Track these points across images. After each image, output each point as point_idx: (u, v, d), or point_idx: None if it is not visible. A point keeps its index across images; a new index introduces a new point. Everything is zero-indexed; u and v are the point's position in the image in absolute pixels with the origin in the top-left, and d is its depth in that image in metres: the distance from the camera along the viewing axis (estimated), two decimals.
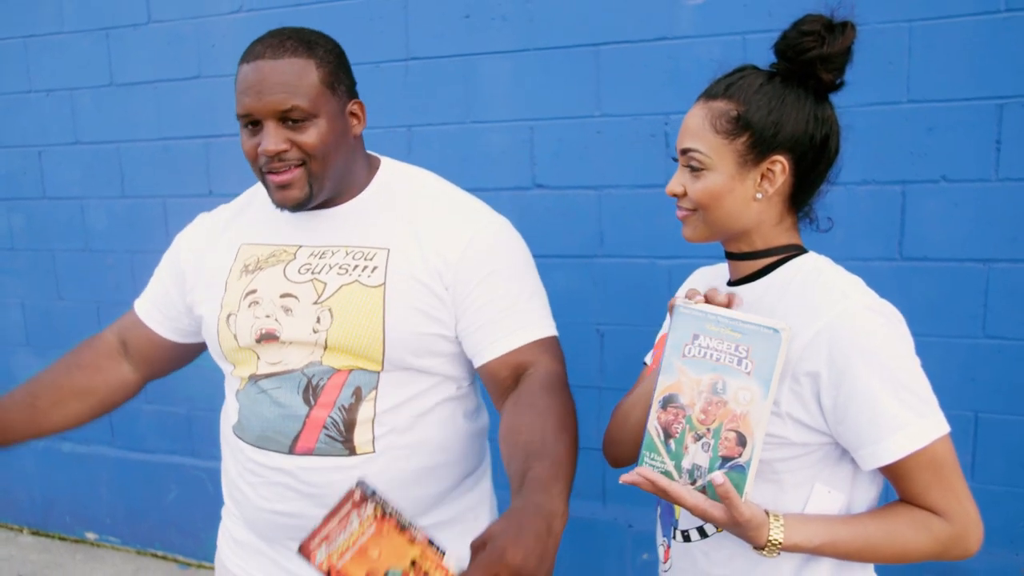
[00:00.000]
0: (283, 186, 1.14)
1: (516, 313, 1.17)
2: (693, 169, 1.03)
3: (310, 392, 1.15)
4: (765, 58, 1.91)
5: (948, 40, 1.78)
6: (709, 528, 1.08)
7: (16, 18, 2.75)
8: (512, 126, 2.20)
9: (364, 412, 1.15)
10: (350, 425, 1.14)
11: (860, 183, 1.90)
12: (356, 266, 1.16)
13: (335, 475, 1.15)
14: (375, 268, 1.15)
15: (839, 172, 1.10)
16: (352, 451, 1.15)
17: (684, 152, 1.04)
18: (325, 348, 1.14)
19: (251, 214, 1.30)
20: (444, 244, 1.16)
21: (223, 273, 1.24)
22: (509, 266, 1.20)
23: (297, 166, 1.13)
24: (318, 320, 1.14)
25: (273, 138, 1.11)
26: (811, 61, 1.00)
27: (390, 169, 1.28)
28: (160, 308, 1.36)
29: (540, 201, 2.19)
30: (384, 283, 1.14)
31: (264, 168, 1.14)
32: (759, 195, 1.02)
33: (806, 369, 0.97)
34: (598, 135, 2.11)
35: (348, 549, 0.89)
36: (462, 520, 1.27)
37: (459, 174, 2.27)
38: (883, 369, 0.96)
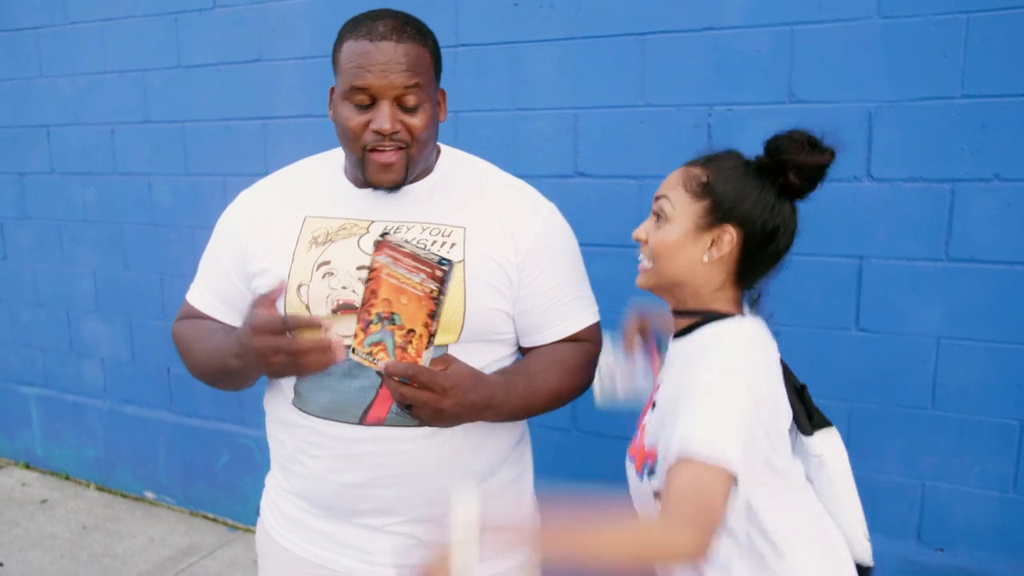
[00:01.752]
0: (386, 166, 1.18)
1: (575, 299, 1.30)
2: (658, 218, 1.15)
3: None
4: (812, 51, 1.89)
5: (1006, 33, 1.71)
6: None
7: (94, 3, 2.91)
8: (557, 114, 2.22)
9: None
10: None
11: (907, 180, 1.84)
12: (434, 241, 1.21)
13: (404, 445, 1.19)
14: (454, 244, 1.21)
15: (781, 269, 1.20)
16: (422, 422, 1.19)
17: (657, 199, 1.16)
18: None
19: (312, 189, 1.30)
20: (517, 227, 1.25)
21: (288, 243, 1.23)
22: (568, 253, 1.32)
23: (400, 148, 1.18)
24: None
25: (389, 117, 1.15)
26: (785, 163, 1.11)
27: (451, 153, 1.35)
28: (224, 299, 1.33)
29: (581, 189, 2.20)
30: (464, 259, 1.20)
31: (369, 146, 1.17)
32: (706, 258, 1.12)
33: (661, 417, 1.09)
34: (641, 125, 2.10)
35: (396, 279, 1.05)
36: (509, 490, 1.33)
37: (503, 160, 2.30)
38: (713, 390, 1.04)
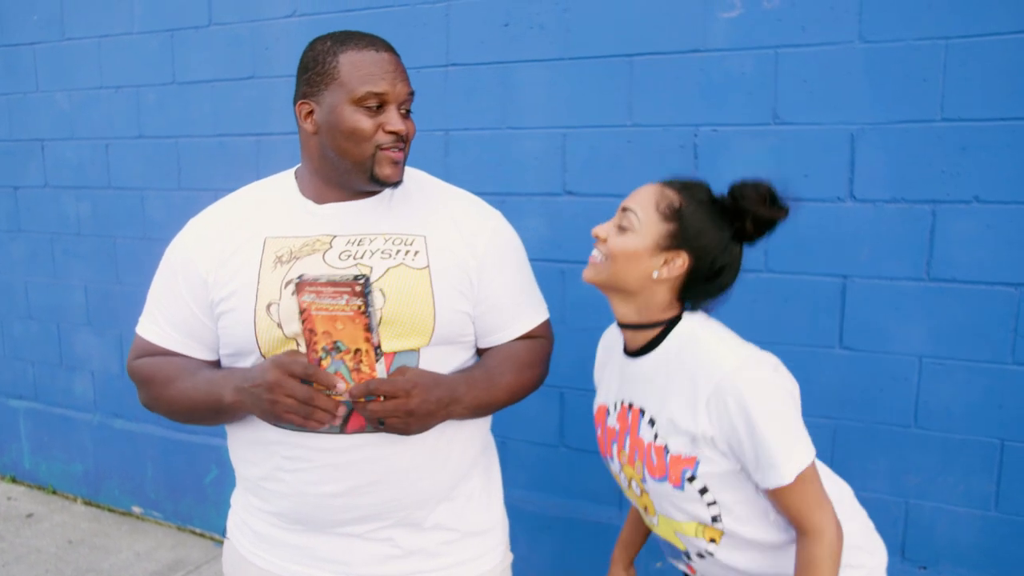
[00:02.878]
0: (397, 163, 1.25)
1: (527, 298, 1.37)
2: (623, 227, 1.23)
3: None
4: (796, 74, 1.93)
5: (985, 58, 1.75)
6: (709, 547, 1.30)
7: (92, 19, 2.94)
8: (546, 133, 2.25)
9: None
10: None
11: (890, 201, 1.87)
12: (398, 251, 1.25)
13: (386, 449, 1.21)
14: (417, 252, 1.25)
15: (720, 302, 1.29)
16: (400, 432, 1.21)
17: (624, 209, 1.24)
18: (379, 324, 1.18)
19: (267, 210, 1.32)
20: (472, 233, 1.31)
21: (252, 265, 1.24)
22: (519, 255, 1.39)
23: (403, 149, 1.27)
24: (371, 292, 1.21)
25: (402, 120, 1.24)
26: (745, 211, 1.21)
27: (414, 173, 1.41)
28: (186, 331, 1.30)
29: (570, 207, 2.23)
30: (428, 265, 1.24)
31: (384, 145, 1.23)
32: (656, 274, 1.22)
33: (715, 432, 1.18)
34: (629, 144, 2.14)
35: (325, 311, 1.10)
36: (481, 494, 1.37)
37: (492, 178, 2.35)
38: (768, 413, 1.16)
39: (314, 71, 1.25)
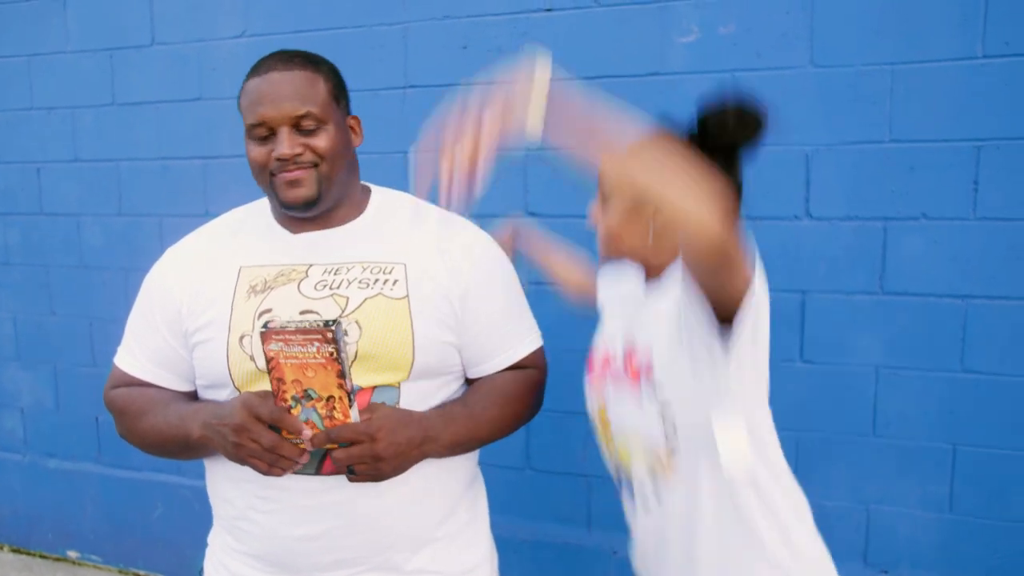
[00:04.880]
0: (294, 183, 1.18)
1: (517, 326, 1.31)
2: (604, 200, 1.20)
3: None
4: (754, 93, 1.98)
5: (929, 83, 1.85)
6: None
7: (21, 36, 2.79)
8: (506, 155, 2.25)
9: None
10: None
11: (844, 219, 1.95)
12: (376, 280, 1.20)
13: (361, 490, 1.16)
14: (396, 281, 1.20)
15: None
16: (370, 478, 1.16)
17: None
18: (355, 359, 1.15)
19: (243, 238, 1.29)
20: (456, 259, 1.25)
21: (226, 296, 1.21)
22: (507, 281, 1.33)
23: (308, 168, 1.19)
24: (346, 333, 1.16)
25: (288, 142, 1.16)
26: (731, 129, 1.15)
27: (382, 191, 1.35)
28: (161, 362, 1.27)
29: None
30: (407, 295, 1.19)
31: (275, 171, 1.18)
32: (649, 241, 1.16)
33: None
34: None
35: (295, 359, 1.06)
36: (465, 532, 1.31)
37: None
38: None
39: (239, 109, 1.25)
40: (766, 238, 2.01)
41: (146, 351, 1.28)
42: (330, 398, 1.07)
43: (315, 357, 1.04)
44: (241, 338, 1.18)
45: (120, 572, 2.92)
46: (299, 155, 1.17)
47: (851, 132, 1.92)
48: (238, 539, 1.25)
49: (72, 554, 3.02)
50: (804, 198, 1.98)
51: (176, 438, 1.19)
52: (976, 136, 1.83)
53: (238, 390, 1.18)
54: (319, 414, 1.08)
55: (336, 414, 1.08)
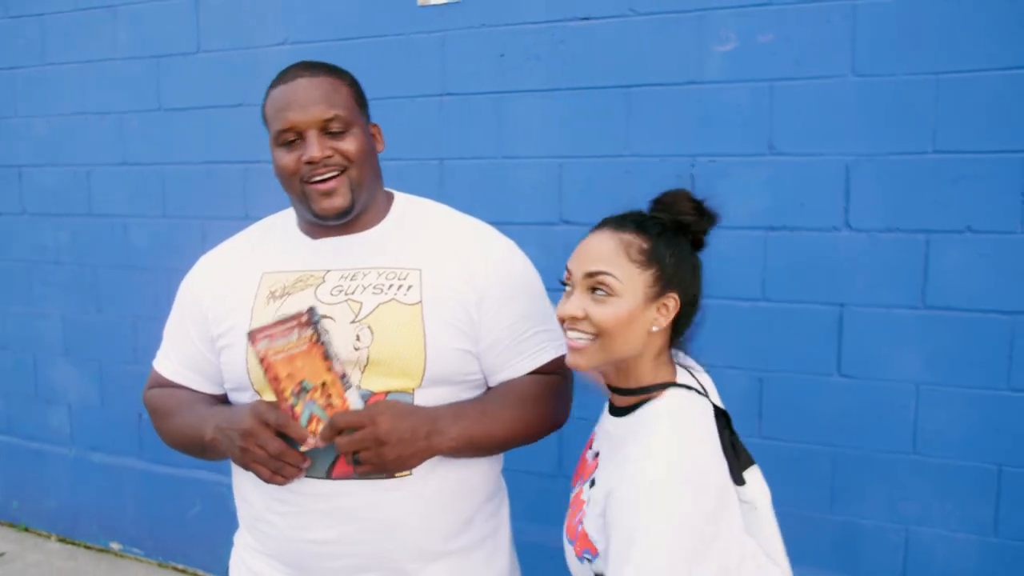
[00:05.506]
0: (327, 193, 1.19)
1: (536, 334, 1.27)
2: (598, 293, 1.05)
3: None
4: (791, 106, 1.96)
5: (975, 93, 1.80)
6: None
7: (74, 45, 2.89)
8: (542, 163, 2.25)
9: None
10: None
11: (884, 231, 1.91)
12: (391, 285, 1.20)
13: (373, 498, 1.16)
14: (410, 287, 1.20)
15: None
16: (391, 474, 1.16)
17: (592, 275, 1.05)
18: (367, 364, 1.16)
19: (268, 245, 1.32)
20: (474, 264, 1.24)
21: (247, 302, 1.24)
22: (528, 288, 1.30)
23: (339, 174, 1.19)
24: (358, 338, 1.16)
25: (317, 145, 1.17)
26: (686, 226, 1.09)
27: (405, 198, 1.36)
28: (192, 366, 1.32)
29: (566, 237, 2.23)
30: (420, 301, 1.19)
31: (306, 178, 1.19)
32: (655, 327, 1.06)
33: (604, 511, 1.02)
34: (626, 174, 2.15)
35: (282, 352, 1.08)
36: (483, 546, 1.29)
37: (488, 207, 2.34)
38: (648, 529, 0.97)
39: (262, 116, 1.28)
40: (803, 249, 1.98)
41: (179, 355, 1.33)
42: (323, 384, 1.08)
43: (298, 345, 1.07)
44: None
45: (159, 565, 3.00)
46: (328, 157, 1.18)
47: (893, 142, 1.87)
48: (258, 539, 1.27)
49: (115, 546, 3.10)
50: (843, 209, 1.94)
51: (194, 439, 1.23)
52: None
53: (258, 393, 1.21)
54: (319, 405, 1.09)
55: (334, 400, 1.08)
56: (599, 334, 1.05)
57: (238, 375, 1.23)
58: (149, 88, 2.78)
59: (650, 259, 1.05)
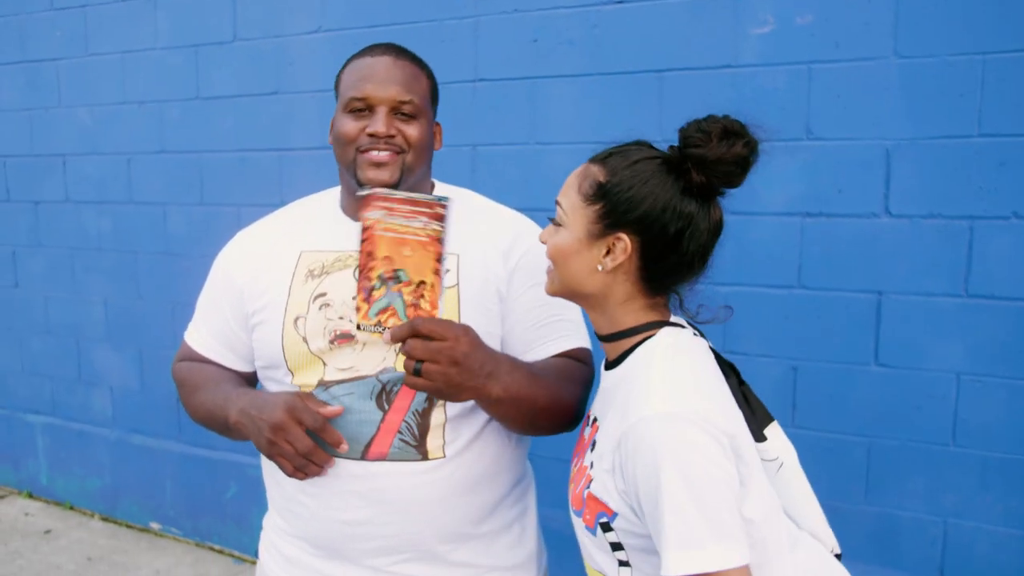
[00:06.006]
0: (378, 164, 1.19)
1: (563, 321, 1.27)
2: (556, 224, 1.05)
3: (384, 397, 1.17)
4: (829, 89, 1.92)
5: (1022, 74, 1.74)
6: None
7: (115, 35, 2.95)
8: (575, 148, 2.24)
9: (436, 417, 1.18)
10: (424, 430, 1.18)
11: (926, 216, 1.86)
12: None
13: (406, 481, 1.17)
14: (447, 271, 1.19)
15: (707, 271, 1.05)
16: (424, 456, 1.17)
17: (557, 203, 1.06)
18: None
19: (307, 224, 1.32)
20: (508, 244, 1.25)
21: (285, 278, 1.24)
22: None
23: (396, 153, 1.21)
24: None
25: (384, 122, 1.19)
26: (690, 157, 0.97)
27: (444, 187, 1.38)
28: (223, 341, 1.32)
29: None
30: (457, 284, 1.20)
31: (363, 147, 1.19)
32: (600, 267, 1.01)
33: (619, 462, 0.97)
34: None
35: (394, 232, 0.97)
36: (510, 529, 1.30)
37: (521, 194, 2.34)
38: (678, 483, 0.90)
39: (335, 86, 1.29)
40: (842, 236, 1.94)
41: (211, 329, 1.34)
42: (420, 284, 0.99)
43: (417, 233, 0.97)
44: (296, 320, 1.21)
45: (197, 545, 3.07)
46: (391, 137, 1.19)
47: (936, 126, 1.82)
48: (288, 521, 1.28)
49: (154, 525, 3.18)
50: (883, 195, 1.89)
51: (217, 418, 1.24)
52: None
53: (291, 372, 1.21)
54: (404, 300, 0.99)
55: (423, 303, 0.99)
56: (552, 261, 1.06)
57: (272, 353, 1.23)
58: (187, 77, 2.82)
59: (597, 194, 0.99)
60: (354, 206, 1.28)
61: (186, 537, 3.11)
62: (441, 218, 0.96)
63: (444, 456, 1.18)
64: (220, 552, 3.01)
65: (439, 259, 0.98)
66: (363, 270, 1.00)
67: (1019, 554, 1.88)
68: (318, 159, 2.63)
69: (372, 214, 0.98)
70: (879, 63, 1.86)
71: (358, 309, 1.01)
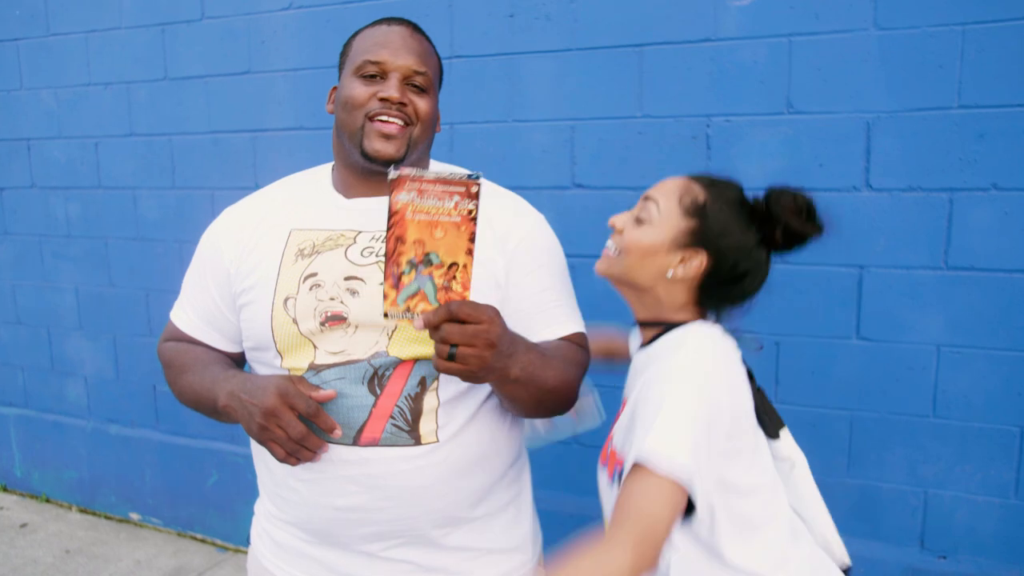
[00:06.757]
0: (387, 136, 1.17)
1: (560, 306, 1.26)
2: (640, 219, 1.16)
3: (375, 382, 1.15)
4: (810, 62, 1.90)
5: (1001, 45, 1.74)
6: None
7: (79, 14, 2.85)
8: (553, 126, 2.21)
9: (429, 402, 1.16)
10: (416, 414, 1.15)
11: (906, 189, 1.86)
12: None
13: (399, 466, 1.15)
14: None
15: (747, 309, 1.20)
16: (417, 441, 1.15)
17: (646, 199, 1.17)
18: (395, 328, 1.14)
19: (297, 202, 1.28)
20: (505, 230, 1.22)
21: (274, 258, 1.21)
22: (555, 261, 1.29)
23: (404, 125, 1.19)
24: None
25: (399, 88, 1.17)
26: (778, 219, 1.13)
27: (439, 165, 1.34)
28: (210, 321, 1.29)
29: (579, 201, 2.19)
30: None
31: (372, 113, 1.17)
32: (671, 273, 1.14)
33: (633, 399, 1.10)
34: (639, 136, 2.10)
35: (425, 214, 0.94)
36: (505, 511, 1.29)
37: (500, 172, 2.31)
38: (672, 391, 1.04)
39: (342, 54, 1.26)
40: (822, 210, 1.93)
41: (197, 309, 1.30)
42: (452, 265, 0.96)
43: (450, 214, 0.94)
44: (286, 300, 1.18)
45: (178, 535, 3.03)
46: (403, 105, 1.17)
47: (916, 98, 1.82)
48: (279, 507, 1.26)
49: (134, 516, 3.14)
50: (864, 168, 1.89)
51: (205, 401, 1.21)
52: None
53: (280, 354, 1.18)
54: (434, 283, 0.96)
55: (455, 285, 0.96)
56: (622, 251, 1.17)
57: (260, 334, 1.20)
58: (155, 57, 2.75)
59: (695, 212, 1.13)
60: (348, 183, 1.26)
61: (167, 527, 3.07)
62: (475, 196, 0.93)
63: (437, 440, 1.16)
64: (202, 541, 2.98)
65: (472, 239, 0.95)
66: (391, 255, 0.96)
67: (997, 522, 1.91)
68: (293, 140, 2.58)
69: (402, 196, 0.94)
70: (859, 35, 1.85)
71: (385, 296, 0.97)
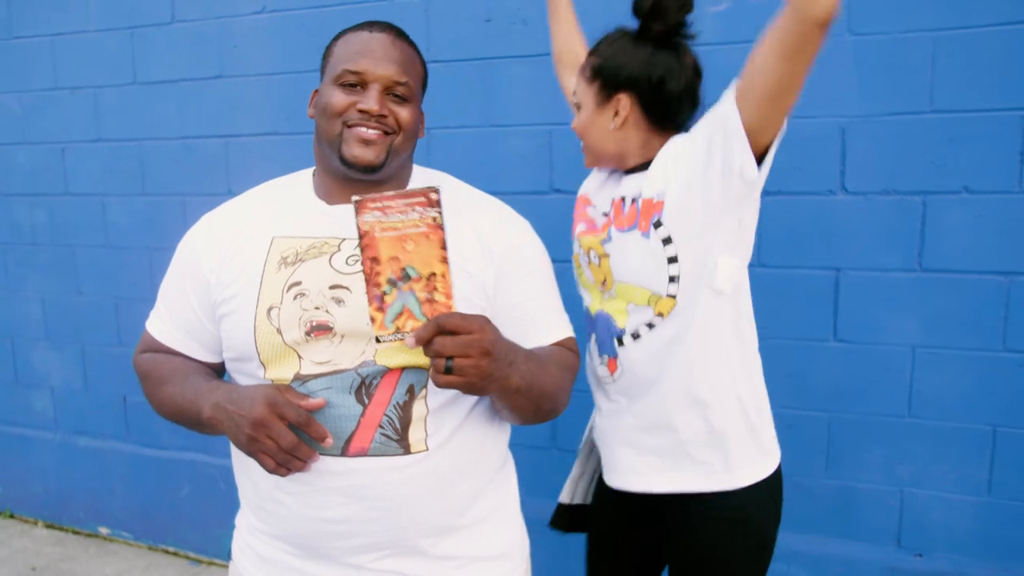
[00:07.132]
0: (366, 142, 1.16)
1: (549, 313, 1.25)
2: (576, 111, 1.41)
3: (363, 391, 1.12)
4: None
5: (972, 50, 1.77)
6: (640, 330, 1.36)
7: (44, 17, 2.79)
8: (531, 130, 2.21)
9: (418, 410, 1.14)
10: (405, 423, 1.13)
11: (880, 193, 1.88)
12: None
13: (389, 476, 1.13)
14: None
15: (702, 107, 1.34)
16: (407, 450, 1.13)
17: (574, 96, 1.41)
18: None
19: (279, 208, 1.25)
20: (492, 238, 1.21)
21: (256, 267, 1.18)
22: (542, 268, 1.28)
23: (385, 134, 1.17)
24: None
25: (378, 100, 1.15)
26: (647, 14, 1.31)
27: (423, 171, 1.32)
28: (189, 332, 1.26)
29: (558, 205, 2.19)
30: None
31: (350, 122, 1.16)
32: (612, 126, 1.35)
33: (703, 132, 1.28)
34: None
35: (393, 230, 0.96)
36: (493, 517, 1.27)
37: (477, 177, 2.28)
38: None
39: (324, 56, 1.23)
40: (799, 214, 1.95)
41: (175, 319, 1.26)
42: (431, 276, 0.97)
43: (417, 225, 0.95)
44: (269, 310, 1.15)
45: (150, 548, 2.96)
46: (383, 117, 1.16)
47: (889, 103, 1.85)
48: (264, 521, 1.23)
49: (103, 530, 3.06)
50: (839, 172, 1.91)
51: (188, 413, 1.17)
52: (1023, 105, 1.75)
53: (263, 365, 1.15)
54: (417, 298, 0.97)
55: (438, 296, 0.97)
56: (581, 140, 1.42)
57: (242, 345, 1.17)
58: (123, 61, 2.69)
59: (594, 74, 1.35)
60: (329, 188, 1.24)
61: (137, 540, 3.00)
62: (436, 204, 0.95)
63: (427, 449, 1.14)
64: (175, 555, 2.92)
65: (443, 246, 0.96)
66: (370, 278, 0.97)
67: (972, 519, 1.94)
68: (267, 145, 2.54)
69: (367, 217, 0.95)
70: (834, 40, 1.86)
71: (373, 320, 0.98)
